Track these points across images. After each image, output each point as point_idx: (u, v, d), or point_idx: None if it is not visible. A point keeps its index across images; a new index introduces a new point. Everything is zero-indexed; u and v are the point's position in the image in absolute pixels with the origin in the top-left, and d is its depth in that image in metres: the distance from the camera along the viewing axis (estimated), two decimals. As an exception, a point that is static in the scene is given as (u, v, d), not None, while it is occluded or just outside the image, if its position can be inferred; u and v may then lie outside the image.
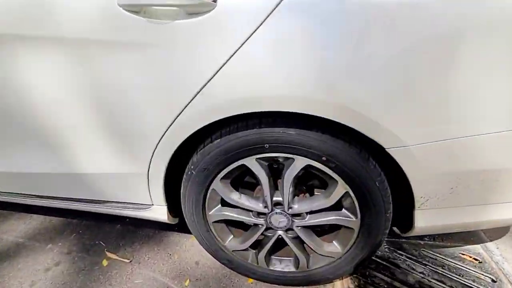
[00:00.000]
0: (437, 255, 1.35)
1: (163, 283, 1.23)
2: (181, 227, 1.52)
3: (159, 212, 1.14)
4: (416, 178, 0.83)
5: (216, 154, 0.92)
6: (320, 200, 0.95)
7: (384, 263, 1.32)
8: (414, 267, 1.29)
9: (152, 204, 1.13)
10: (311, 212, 1.00)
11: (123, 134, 0.96)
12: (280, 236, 1.07)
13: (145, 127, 0.92)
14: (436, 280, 1.23)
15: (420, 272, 1.27)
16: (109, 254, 1.38)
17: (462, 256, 1.34)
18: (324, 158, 0.85)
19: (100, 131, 0.97)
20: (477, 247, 1.39)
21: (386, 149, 0.78)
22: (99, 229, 1.54)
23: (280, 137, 0.85)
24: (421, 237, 1.46)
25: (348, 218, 0.96)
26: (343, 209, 0.97)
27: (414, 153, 0.78)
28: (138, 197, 1.13)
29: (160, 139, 0.92)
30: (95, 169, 1.07)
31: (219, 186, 0.99)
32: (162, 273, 1.28)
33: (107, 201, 1.20)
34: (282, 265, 1.15)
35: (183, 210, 1.09)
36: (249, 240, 1.09)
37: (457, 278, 1.23)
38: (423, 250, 1.38)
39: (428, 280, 1.23)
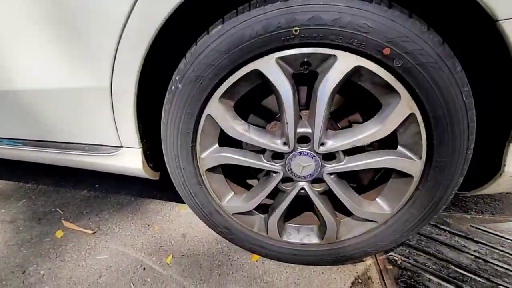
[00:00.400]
0: (490, 231, 1.07)
1: (135, 259, 0.90)
2: (165, 192, 1.19)
3: (131, 158, 0.81)
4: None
5: (214, 50, 0.59)
6: (369, 129, 0.63)
7: (426, 239, 1.02)
8: (465, 244, 1.01)
9: (121, 146, 0.80)
10: (350, 153, 0.69)
11: (63, 21, 0.62)
12: (302, 192, 0.75)
13: (96, 10, 0.59)
14: (498, 260, 0.94)
15: (474, 251, 0.98)
16: (66, 224, 1.04)
17: (522, 232, 1.06)
18: (386, 51, 0.54)
19: (33, 22, 0.63)
20: (536, 222, 1.11)
21: (499, 21, 0.47)
22: (57, 195, 1.20)
23: (319, 13, 0.53)
24: (467, 210, 1.18)
25: (408, 159, 0.65)
26: (399, 147, 0.67)
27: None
28: (102, 135, 0.80)
29: (124, 26, 0.59)
30: (32, 84, 0.73)
31: (218, 109, 0.66)
32: (135, 248, 0.94)
33: (60, 143, 0.87)
34: (300, 235, 0.84)
35: (164, 151, 0.76)
36: (258, 196, 0.77)
37: (524, 258, 0.95)
38: (471, 226, 1.10)
39: (486, 261, 0.94)
